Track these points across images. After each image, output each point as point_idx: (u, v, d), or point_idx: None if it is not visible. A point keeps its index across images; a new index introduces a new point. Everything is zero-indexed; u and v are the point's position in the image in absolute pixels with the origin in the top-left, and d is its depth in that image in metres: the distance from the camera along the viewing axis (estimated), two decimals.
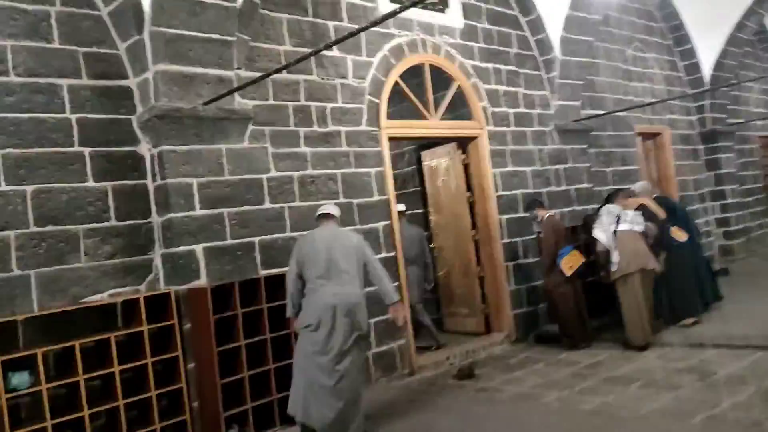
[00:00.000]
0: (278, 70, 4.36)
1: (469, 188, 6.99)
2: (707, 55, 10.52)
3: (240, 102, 4.95)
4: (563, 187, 7.73)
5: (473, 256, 6.93)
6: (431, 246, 7.47)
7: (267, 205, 5.04)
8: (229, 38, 4.74)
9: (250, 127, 4.99)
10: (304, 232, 5.14)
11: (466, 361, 6.19)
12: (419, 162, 7.65)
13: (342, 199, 5.55)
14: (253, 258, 4.88)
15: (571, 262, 6.22)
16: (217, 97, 4.52)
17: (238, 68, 4.86)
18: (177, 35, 4.47)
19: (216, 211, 4.69)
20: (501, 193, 6.98)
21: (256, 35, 5.13)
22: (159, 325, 4.32)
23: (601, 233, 6.06)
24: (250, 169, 4.95)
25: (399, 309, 4.43)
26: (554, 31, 7.51)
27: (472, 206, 6.97)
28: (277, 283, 4.73)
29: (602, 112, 8.47)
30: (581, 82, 7.96)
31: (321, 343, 4.02)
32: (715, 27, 10.29)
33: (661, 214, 6.49)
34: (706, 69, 10.58)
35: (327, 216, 4.44)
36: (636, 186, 7.07)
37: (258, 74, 4.78)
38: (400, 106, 7.15)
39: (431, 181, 7.45)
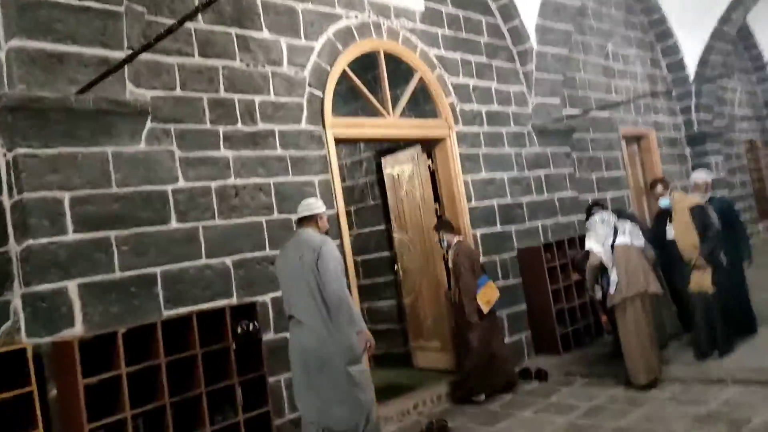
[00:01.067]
0: (145, 47, 3.20)
1: (437, 198, 5.94)
2: (691, 50, 9.72)
3: (134, 92, 3.82)
4: (544, 196, 6.73)
5: (444, 278, 5.85)
6: (395, 269, 6.39)
7: (173, 224, 3.89)
8: (115, 8, 3.62)
9: (149, 124, 3.85)
10: (227, 259, 4.04)
11: (437, 408, 5.08)
12: (379, 170, 6.58)
13: (276, 215, 4.44)
14: (153, 295, 3.72)
15: (488, 295, 5.19)
16: (92, 81, 3.38)
17: (131, 48, 3.72)
18: (38, 1, 3.34)
19: (98, 234, 3.53)
20: (474, 204, 5.94)
21: (156, 6, 4.02)
22: (13, 393, 3.12)
23: (596, 245, 5.03)
24: (149, 179, 3.81)
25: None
26: (529, 17, 6.55)
27: (440, 218, 5.91)
28: (184, 327, 3.58)
29: (584, 110, 7.53)
30: (560, 77, 7.01)
31: None
32: (699, 21, 9.50)
33: (714, 222, 5.10)
34: (691, 66, 9.78)
35: (300, 222, 3.84)
36: (697, 175, 5.69)
37: (160, 57, 3.69)
38: (355, 106, 6.11)
39: (393, 192, 6.38)
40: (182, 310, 3.78)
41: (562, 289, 6.14)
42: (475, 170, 6.02)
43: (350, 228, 6.76)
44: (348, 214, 6.88)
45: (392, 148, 6.45)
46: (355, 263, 6.65)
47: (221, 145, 4.21)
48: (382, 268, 6.61)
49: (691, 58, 9.76)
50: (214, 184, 4.13)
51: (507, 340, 5.91)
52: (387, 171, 6.43)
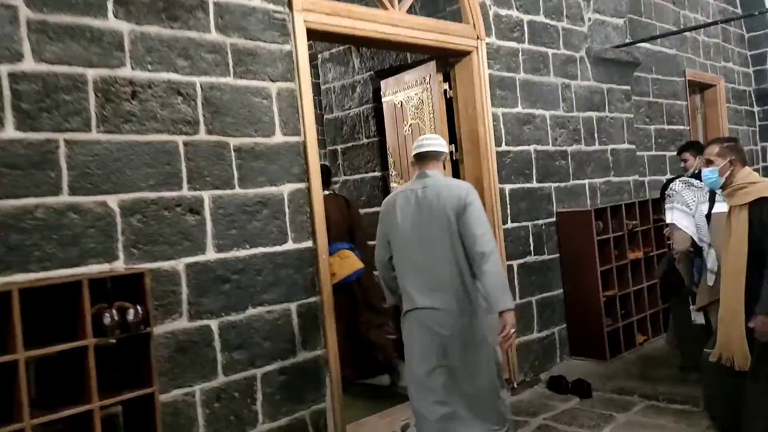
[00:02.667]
0: None
1: (453, 139, 4.30)
2: None
3: None
4: (595, 147, 5.07)
5: None
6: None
7: (10, 132, 2.28)
8: None
9: None
10: (111, 198, 2.50)
11: None
12: (377, 98, 4.92)
13: (203, 135, 2.82)
14: None
15: (336, 266, 3.88)
16: None
17: None
18: None
19: None
20: (505, 148, 4.30)
21: None
22: None
23: (682, 217, 3.41)
24: None
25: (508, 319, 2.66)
26: None
27: (458, 168, 4.29)
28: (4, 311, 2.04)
29: (650, 37, 5.79)
30: None
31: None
32: None
33: None
34: None
35: (423, 159, 2.87)
36: None
37: None
38: None
39: (394, 127, 4.73)
40: (13, 278, 2.22)
41: (614, 270, 4.54)
42: (509, 103, 4.36)
43: (333, 174, 5.14)
44: (333, 156, 5.25)
45: (396, 67, 4.78)
46: None
47: (109, 10, 2.56)
48: (374, 229, 5.00)
49: None
50: (92, 74, 2.50)
51: (534, 334, 4.35)
52: (387, 98, 4.76)
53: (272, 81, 3.08)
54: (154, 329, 2.44)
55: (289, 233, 3.08)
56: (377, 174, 5.01)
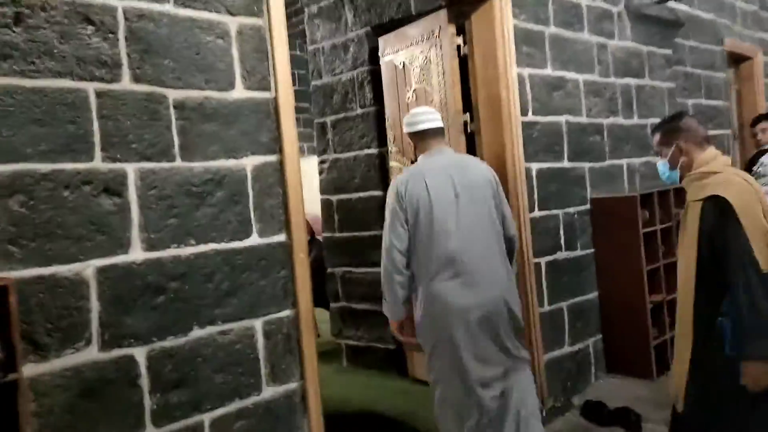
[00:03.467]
0: None
1: (468, 107, 3.47)
2: None
3: None
4: (634, 120, 4.25)
5: None
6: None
7: None
8: None
9: None
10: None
11: None
12: (374, 59, 4.06)
13: (129, 84, 1.97)
14: None
15: None
16: None
17: None
18: None
19: None
20: (532, 118, 3.47)
21: None
22: None
23: None
24: None
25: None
26: None
27: (473, 142, 3.47)
28: None
29: None
30: None
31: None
32: None
33: None
34: None
35: (436, 134, 2.57)
36: None
37: None
38: None
39: (395, 93, 3.89)
40: None
41: (661, 270, 3.74)
42: (536, 62, 3.53)
43: (322, 152, 4.32)
44: (322, 130, 4.41)
45: (397, 20, 3.93)
46: (328, 206, 4.25)
47: None
48: (369, 216, 4.19)
49: None
50: None
51: (565, 348, 3.55)
52: (387, 58, 3.92)
53: (231, 14, 2.23)
54: (39, 367, 1.62)
55: (253, 223, 2.25)
56: (373, 151, 4.17)
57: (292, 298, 2.33)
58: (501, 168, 3.27)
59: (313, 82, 4.53)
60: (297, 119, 2.46)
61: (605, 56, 4.02)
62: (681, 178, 2.16)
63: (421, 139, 2.57)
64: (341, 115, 4.34)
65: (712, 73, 5.70)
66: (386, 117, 3.96)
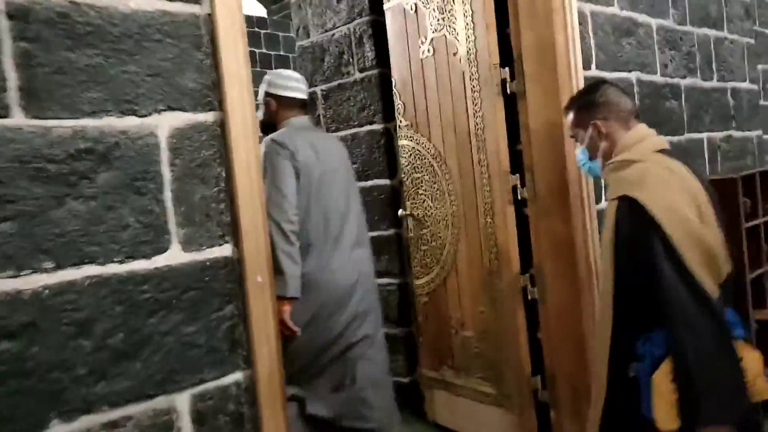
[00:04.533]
0: None
1: (508, 60, 2.51)
2: None
3: None
4: (713, 83, 3.29)
5: (513, 242, 2.50)
6: (399, 213, 3.07)
7: None
8: None
9: None
10: None
11: None
12: (376, 6, 3.10)
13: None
14: None
15: None
16: None
17: None
18: None
19: None
20: (595, 72, 2.51)
21: None
22: None
23: None
24: None
25: None
26: None
27: (514, 105, 2.51)
28: None
29: None
30: None
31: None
32: None
33: None
34: None
35: (303, 107, 2.40)
36: None
37: None
38: None
39: (405, 50, 2.93)
40: None
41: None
42: None
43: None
44: (311, 102, 3.46)
45: None
46: None
47: None
48: (374, 213, 3.22)
49: None
50: None
51: None
52: (393, 2, 2.95)
53: None
54: None
55: (171, 228, 1.31)
56: (377, 127, 3.19)
57: (245, 353, 1.39)
58: (558, 144, 2.32)
59: (299, 43, 3.57)
60: None
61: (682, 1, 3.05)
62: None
63: (289, 107, 2.32)
64: (335, 83, 3.37)
65: None
66: (393, 81, 3.00)
